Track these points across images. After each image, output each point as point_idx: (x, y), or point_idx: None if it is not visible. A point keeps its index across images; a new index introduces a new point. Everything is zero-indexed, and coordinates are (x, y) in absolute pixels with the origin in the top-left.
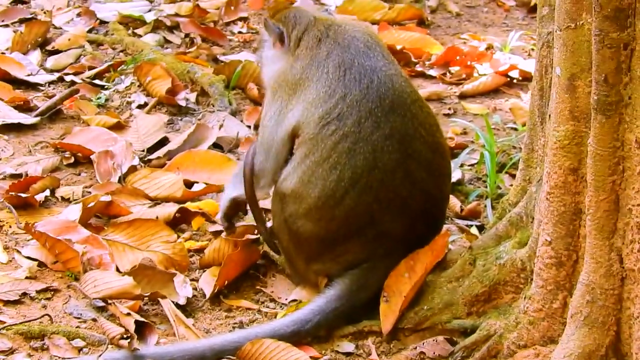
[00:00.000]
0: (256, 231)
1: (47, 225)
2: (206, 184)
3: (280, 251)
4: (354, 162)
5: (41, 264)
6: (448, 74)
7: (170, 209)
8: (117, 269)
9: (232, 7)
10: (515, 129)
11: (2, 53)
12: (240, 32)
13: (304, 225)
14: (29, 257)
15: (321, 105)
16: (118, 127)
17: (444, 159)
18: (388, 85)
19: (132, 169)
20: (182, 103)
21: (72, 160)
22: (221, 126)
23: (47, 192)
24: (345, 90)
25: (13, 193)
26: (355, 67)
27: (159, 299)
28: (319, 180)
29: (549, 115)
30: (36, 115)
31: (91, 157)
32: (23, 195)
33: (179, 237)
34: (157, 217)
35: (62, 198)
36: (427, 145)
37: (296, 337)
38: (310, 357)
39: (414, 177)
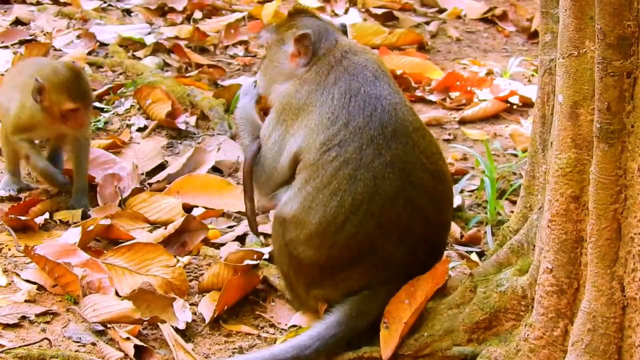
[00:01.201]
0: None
1: (47, 248)
2: (205, 208)
3: (280, 276)
4: (355, 189)
5: (40, 287)
6: (448, 99)
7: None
8: (117, 293)
9: (232, 31)
10: (516, 155)
11: (2, 75)
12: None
13: (305, 251)
14: (28, 280)
15: (323, 131)
16: (116, 149)
17: (446, 186)
18: (391, 113)
19: (134, 192)
20: (182, 126)
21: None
22: (219, 149)
23: (47, 215)
24: (349, 117)
25: (12, 216)
26: (360, 94)
27: (159, 324)
28: (319, 206)
29: (551, 143)
30: None
31: (97, 179)
32: (22, 217)
33: (178, 261)
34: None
35: (61, 221)
36: (429, 173)
37: None
38: None
39: (415, 204)
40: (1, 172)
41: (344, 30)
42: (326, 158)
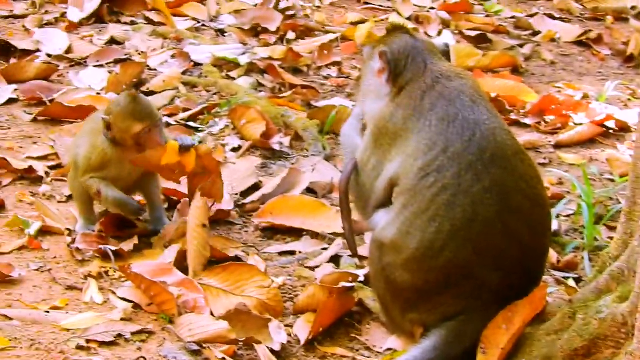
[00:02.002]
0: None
1: (142, 267)
2: (301, 229)
3: (376, 299)
4: (453, 215)
5: (136, 306)
6: (543, 122)
7: None
8: (212, 313)
9: (326, 52)
10: (613, 180)
11: (98, 93)
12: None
13: (402, 276)
14: (123, 299)
15: (421, 157)
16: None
17: (545, 212)
18: (489, 138)
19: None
20: (276, 147)
21: (166, 205)
22: (313, 170)
23: (136, 240)
24: (447, 143)
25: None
26: (458, 120)
27: (254, 344)
28: (417, 231)
29: None
30: None
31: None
32: (112, 248)
33: (273, 282)
34: None
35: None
36: (527, 198)
37: None
38: None
39: (512, 230)
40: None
41: (446, 50)
42: (424, 184)
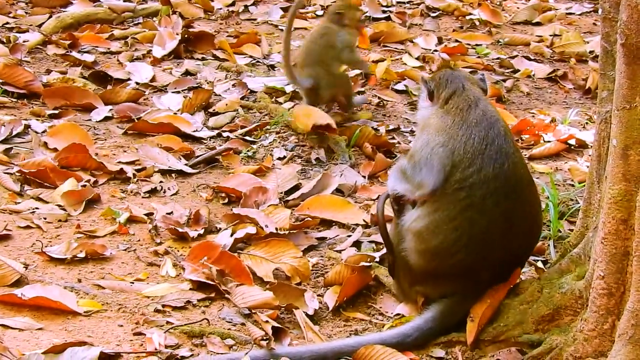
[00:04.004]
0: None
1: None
2: (331, 220)
3: (390, 266)
4: (472, 230)
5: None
6: (520, 140)
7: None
8: (254, 275)
9: (353, 83)
10: (573, 185)
11: (175, 113)
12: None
13: (417, 261)
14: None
15: (461, 170)
16: (261, 173)
17: (537, 231)
18: (514, 171)
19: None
20: (313, 157)
21: (226, 200)
22: (341, 175)
23: (202, 231)
24: (482, 165)
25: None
26: (494, 146)
27: (293, 309)
28: (441, 234)
29: (606, 177)
30: (198, 163)
31: (243, 191)
32: (180, 230)
33: (308, 261)
34: None
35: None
36: (528, 221)
37: (400, 347)
38: (410, 359)
39: (512, 246)
40: None
41: (481, 79)
42: (457, 196)
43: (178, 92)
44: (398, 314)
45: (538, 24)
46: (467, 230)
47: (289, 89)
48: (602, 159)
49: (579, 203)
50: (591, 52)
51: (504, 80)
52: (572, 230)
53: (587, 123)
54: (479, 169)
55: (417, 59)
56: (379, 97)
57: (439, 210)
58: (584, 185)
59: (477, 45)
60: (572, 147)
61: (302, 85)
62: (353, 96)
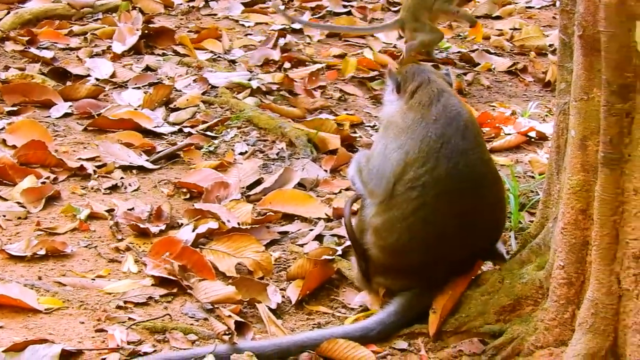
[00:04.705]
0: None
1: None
2: (293, 214)
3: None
4: (427, 231)
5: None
6: (481, 133)
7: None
8: (217, 269)
9: (314, 78)
10: (533, 177)
11: (135, 109)
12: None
13: (376, 255)
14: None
15: (414, 169)
16: (223, 169)
17: (498, 234)
18: (470, 168)
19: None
20: (274, 151)
21: (188, 195)
22: (303, 169)
23: (163, 227)
24: (436, 164)
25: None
26: (451, 144)
27: (255, 304)
28: (395, 233)
29: (565, 167)
30: (160, 159)
31: (205, 186)
32: (142, 226)
33: (270, 255)
34: None
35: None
36: (486, 222)
37: (363, 341)
38: (373, 351)
39: (470, 243)
40: None
41: (446, 73)
42: (409, 195)
43: (138, 87)
44: (361, 306)
45: (498, 17)
46: (421, 230)
47: (255, 84)
48: (561, 150)
49: (539, 194)
50: (551, 45)
51: (465, 74)
52: (532, 221)
53: (547, 115)
54: (433, 168)
55: (378, 52)
56: (340, 91)
57: (393, 208)
58: (544, 177)
59: None
60: (532, 140)
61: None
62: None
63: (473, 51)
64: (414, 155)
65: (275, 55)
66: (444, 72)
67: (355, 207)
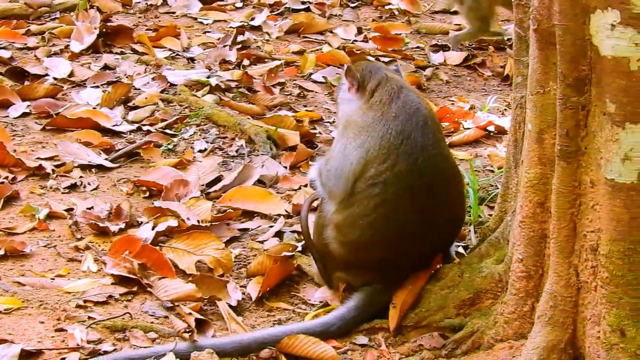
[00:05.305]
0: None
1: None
2: (253, 211)
3: (313, 257)
4: (387, 227)
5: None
6: None
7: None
8: (176, 267)
9: (273, 75)
10: (492, 171)
11: (94, 108)
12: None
13: (337, 250)
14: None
15: (375, 166)
16: (182, 166)
17: (457, 226)
18: (429, 164)
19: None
20: (234, 148)
21: (147, 193)
22: (262, 166)
23: (123, 225)
24: (397, 160)
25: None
26: (411, 140)
27: (216, 301)
28: (357, 229)
29: (522, 161)
30: (119, 157)
31: (164, 184)
32: (101, 225)
33: (230, 252)
34: None
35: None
36: (445, 219)
37: (323, 336)
38: (333, 346)
39: (430, 239)
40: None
41: (396, 69)
42: (370, 192)
43: (97, 86)
44: (321, 302)
45: (456, 12)
46: (382, 226)
47: (214, 82)
48: (518, 144)
49: (498, 188)
50: (509, 39)
51: (423, 69)
52: (491, 215)
53: (505, 109)
54: (393, 164)
55: (337, 49)
56: (300, 87)
57: (354, 205)
58: (503, 171)
59: (396, 34)
60: (491, 134)
61: None
62: (472, 34)
63: (432, 46)
64: (374, 153)
65: (234, 52)
66: (394, 68)
67: (315, 203)
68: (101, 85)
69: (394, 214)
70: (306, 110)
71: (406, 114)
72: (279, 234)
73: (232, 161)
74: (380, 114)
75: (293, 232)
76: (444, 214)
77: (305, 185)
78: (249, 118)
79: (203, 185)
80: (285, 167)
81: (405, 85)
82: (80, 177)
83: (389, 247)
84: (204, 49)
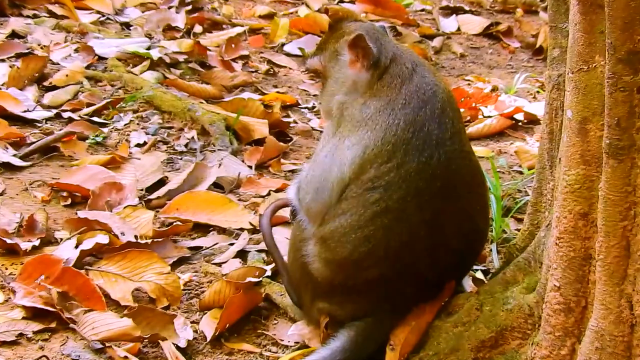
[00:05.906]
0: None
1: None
2: (208, 224)
3: (287, 280)
4: (388, 241)
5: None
6: None
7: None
8: (108, 297)
9: (233, 45)
10: (521, 173)
11: None
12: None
13: (320, 269)
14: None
15: (375, 166)
16: (115, 165)
17: (477, 243)
18: (445, 165)
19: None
20: (182, 142)
21: (69, 201)
22: (220, 165)
23: (37, 242)
24: (405, 158)
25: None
26: (424, 132)
27: (159, 341)
28: (349, 244)
29: (559, 159)
30: (31, 153)
31: (91, 188)
32: (9, 241)
33: (179, 278)
34: None
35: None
36: (461, 234)
37: None
38: None
39: (442, 258)
40: None
41: (382, 27)
42: (367, 198)
43: (2, 60)
44: (297, 343)
45: None
46: (382, 241)
47: (155, 54)
48: (554, 137)
49: (528, 195)
50: (542, 0)
51: (431, 39)
52: (519, 229)
53: (538, 92)
54: (400, 164)
55: (317, 11)
56: (268, 62)
57: (346, 212)
58: (534, 172)
59: None
60: (520, 124)
61: None
62: None
63: (442, 8)
64: (375, 149)
65: (182, 16)
66: (380, 27)
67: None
68: (8, 58)
69: (397, 225)
70: (277, 92)
71: (419, 100)
72: (242, 254)
73: (180, 158)
74: (385, 103)
75: (260, 251)
76: (462, 228)
77: (277, 191)
78: (201, 102)
79: (142, 189)
80: (250, 167)
81: (419, 62)
82: None
83: (388, 268)
84: (143, 11)
